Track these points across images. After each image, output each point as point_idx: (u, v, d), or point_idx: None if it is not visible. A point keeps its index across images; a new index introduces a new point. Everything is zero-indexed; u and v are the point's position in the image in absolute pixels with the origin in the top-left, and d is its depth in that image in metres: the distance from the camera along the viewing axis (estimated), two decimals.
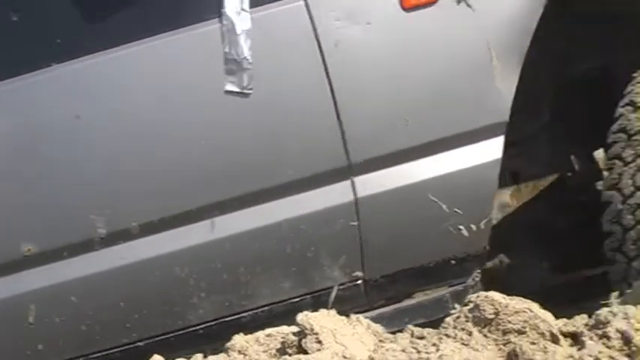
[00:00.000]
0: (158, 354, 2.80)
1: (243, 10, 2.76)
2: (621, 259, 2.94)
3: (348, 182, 2.88)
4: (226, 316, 2.94)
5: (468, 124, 2.90)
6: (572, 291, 3.45)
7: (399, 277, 2.97)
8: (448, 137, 2.90)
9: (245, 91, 2.77)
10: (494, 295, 2.52)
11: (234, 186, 2.85)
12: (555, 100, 3.39)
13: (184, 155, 2.82)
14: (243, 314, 2.94)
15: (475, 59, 2.89)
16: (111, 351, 2.96)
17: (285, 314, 2.89)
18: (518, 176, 3.38)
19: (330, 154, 2.86)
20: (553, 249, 3.47)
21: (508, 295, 2.62)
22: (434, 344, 2.44)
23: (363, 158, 2.87)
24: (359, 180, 2.88)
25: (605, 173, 3.03)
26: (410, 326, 2.65)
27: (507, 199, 3.37)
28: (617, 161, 2.99)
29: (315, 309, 2.86)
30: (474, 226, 2.94)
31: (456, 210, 2.91)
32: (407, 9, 2.87)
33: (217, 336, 2.92)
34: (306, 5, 2.85)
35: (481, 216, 2.94)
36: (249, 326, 2.87)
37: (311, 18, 2.85)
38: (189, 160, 2.83)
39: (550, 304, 3.36)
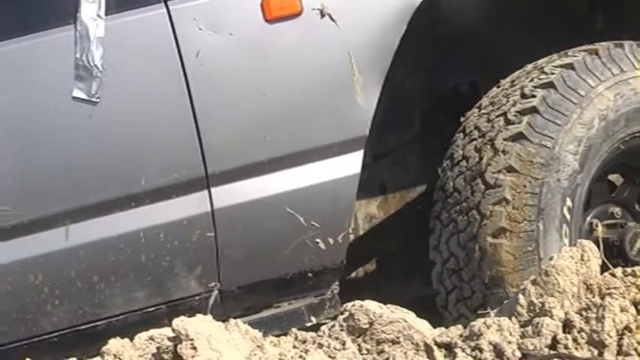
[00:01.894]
0: None
1: (99, 16, 2.73)
2: (448, 317, 2.99)
3: (204, 193, 2.87)
4: (81, 325, 2.91)
5: (327, 138, 2.91)
6: None
7: (256, 288, 2.97)
8: (306, 150, 2.90)
9: (93, 99, 2.75)
10: (370, 304, 2.54)
11: (87, 193, 2.82)
12: (426, 112, 3.42)
13: (35, 161, 2.79)
14: (98, 323, 2.92)
15: (336, 73, 2.90)
16: None
17: (140, 323, 2.86)
18: (386, 187, 3.40)
19: (187, 164, 2.84)
20: (422, 259, 3.49)
21: (386, 303, 2.64)
22: (301, 356, 2.45)
23: (220, 169, 2.86)
24: (216, 191, 2.87)
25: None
26: (294, 330, 2.65)
27: (374, 210, 3.39)
28: (437, 222, 3.01)
29: (170, 319, 2.85)
30: (331, 240, 2.94)
31: (314, 223, 2.92)
32: (270, 20, 2.87)
33: (72, 344, 2.90)
34: (168, 13, 2.83)
35: (339, 230, 2.95)
36: (105, 335, 2.83)
37: (172, 26, 2.83)
38: (40, 165, 2.80)
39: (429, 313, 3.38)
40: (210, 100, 2.84)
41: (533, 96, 2.91)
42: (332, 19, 2.89)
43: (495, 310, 2.62)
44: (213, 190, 2.87)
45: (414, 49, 3.06)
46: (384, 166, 3.36)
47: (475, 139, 2.96)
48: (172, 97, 2.82)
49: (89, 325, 2.91)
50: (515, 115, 2.90)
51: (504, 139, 2.89)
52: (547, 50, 3.11)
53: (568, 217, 2.89)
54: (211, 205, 2.87)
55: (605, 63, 2.99)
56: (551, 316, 2.45)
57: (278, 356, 2.41)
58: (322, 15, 2.89)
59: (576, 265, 2.55)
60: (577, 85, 2.93)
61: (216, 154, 2.85)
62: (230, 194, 2.87)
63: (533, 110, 2.90)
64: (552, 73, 2.94)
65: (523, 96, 2.94)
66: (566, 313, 2.46)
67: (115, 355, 2.55)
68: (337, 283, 3.05)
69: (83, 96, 2.75)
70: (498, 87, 3.06)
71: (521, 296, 2.52)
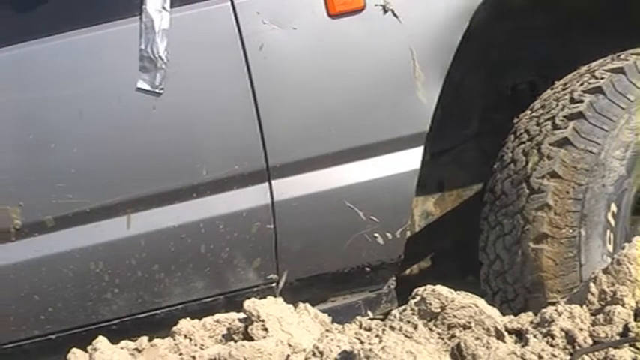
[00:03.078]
0: (71, 347, 2.80)
1: (164, 8, 2.76)
2: None
3: (265, 185, 2.89)
4: (140, 313, 2.95)
5: (388, 134, 2.91)
6: None
7: (314, 281, 2.98)
8: (367, 145, 2.91)
9: (156, 90, 2.78)
10: (441, 289, 2.54)
11: (149, 183, 2.85)
12: (485, 111, 3.42)
13: (100, 150, 2.83)
14: (157, 311, 2.95)
15: (398, 69, 2.90)
16: (23, 343, 2.95)
17: (198, 313, 2.89)
18: (443, 185, 3.40)
19: (249, 156, 2.86)
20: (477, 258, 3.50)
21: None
22: (377, 335, 2.46)
23: (281, 162, 2.88)
24: (276, 183, 2.89)
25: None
26: (358, 317, 2.68)
27: (431, 207, 3.39)
28: (485, 223, 3.00)
29: (228, 309, 2.89)
30: (389, 235, 2.96)
31: (372, 218, 2.93)
32: (333, 16, 2.88)
33: (131, 332, 2.93)
34: (233, 6, 2.85)
35: (397, 225, 2.96)
36: (163, 324, 2.88)
37: (237, 19, 2.85)
38: (104, 154, 2.83)
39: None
40: (272, 94, 2.86)
41: (581, 101, 2.89)
42: (395, 15, 2.90)
43: (566, 299, 2.62)
44: (273, 182, 2.89)
45: (475, 47, 3.07)
46: (442, 164, 3.36)
47: (524, 143, 2.95)
48: (235, 90, 2.84)
49: (148, 314, 2.95)
50: (562, 120, 2.89)
51: (550, 144, 2.88)
52: (609, 52, 3.10)
53: (612, 223, 2.87)
54: (271, 197, 2.89)
55: None
56: (623, 305, 2.45)
57: (354, 336, 2.42)
58: (385, 11, 2.89)
59: None
60: (626, 90, 2.89)
61: (277, 146, 2.87)
62: (290, 187, 2.89)
63: (580, 116, 2.87)
64: (602, 78, 2.91)
65: (572, 100, 2.92)
66: (637, 302, 2.46)
67: (185, 335, 2.58)
68: (394, 278, 3.06)
69: (147, 87, 2.79)
70: (551, 89, 3.05)
71: (592, 284, 2.52)
